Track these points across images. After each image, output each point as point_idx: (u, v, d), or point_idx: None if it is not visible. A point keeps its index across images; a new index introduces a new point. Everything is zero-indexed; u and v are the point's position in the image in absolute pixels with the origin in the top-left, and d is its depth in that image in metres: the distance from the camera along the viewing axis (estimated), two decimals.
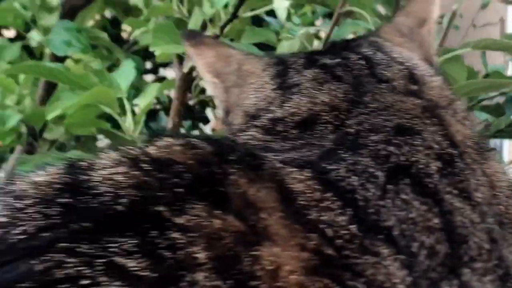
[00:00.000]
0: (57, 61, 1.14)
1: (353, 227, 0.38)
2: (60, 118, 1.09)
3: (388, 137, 0.45)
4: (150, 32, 0.96)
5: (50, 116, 0.89)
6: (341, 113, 0.49)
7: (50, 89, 1.17)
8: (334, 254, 0.36)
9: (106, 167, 0.37)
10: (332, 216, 0.38)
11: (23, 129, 1.15)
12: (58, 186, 0.36)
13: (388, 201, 0.41)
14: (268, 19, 1.00)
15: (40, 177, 0.37)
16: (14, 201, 0.35)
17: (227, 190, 0.36)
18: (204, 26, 0.83)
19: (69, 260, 0.31)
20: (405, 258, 0.39)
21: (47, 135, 1.20)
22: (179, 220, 0.34)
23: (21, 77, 1.16)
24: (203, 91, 0.94)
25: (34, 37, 1.17)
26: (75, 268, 0.31)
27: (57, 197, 0.35)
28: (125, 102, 0.96)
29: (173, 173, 0.37)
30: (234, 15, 0.79)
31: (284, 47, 0.77)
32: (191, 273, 0.32)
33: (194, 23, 0.83)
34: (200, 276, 0.32)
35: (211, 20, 0.82)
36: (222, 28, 0.80)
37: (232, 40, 0.87)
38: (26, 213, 0.34)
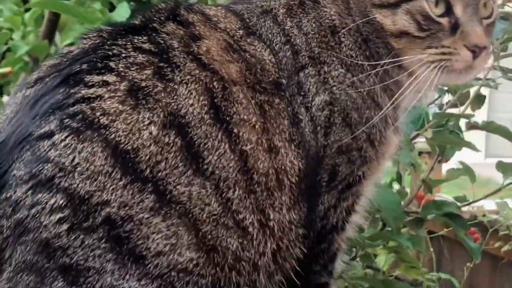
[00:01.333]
0: None
1: (240, 31, 0.74)
2: None
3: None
4: None
5: (64, 42, 1.15)
6: None
7: (52, 26, 1.42)
8: (232, 41, 0.71)
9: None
10: (229, 23, 0.74)
11: (28, 59, 1.40)
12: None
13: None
14: None
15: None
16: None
17: (181, 19, 0.72)
18: None
19: (114, 46, 0.66)
20: None
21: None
22: (164, 29, 0.69)
23: (26, 16, 1.40)
24: None
25: None
26: (118, 49, 0.66)
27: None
28: None
29: (158, 11, 0.72)
30: None
31: None
32: (173, 51, 0.67)
33: None
34: (177, 54, 0.67)
35: None
36: None
37: None
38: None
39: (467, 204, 1.36)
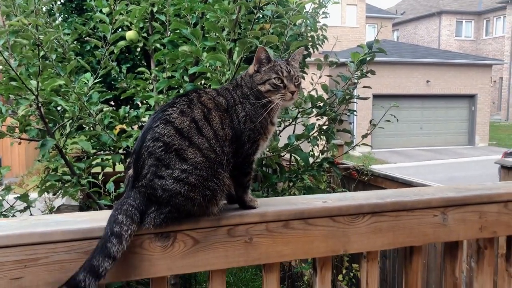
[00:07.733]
0: None
1: (214, 94, 1.68)
2: None
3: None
4: None
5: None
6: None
7: None
8: (212, 97, 1.66)
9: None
10: (211, 92, 1.69)
11: None
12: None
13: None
14: None
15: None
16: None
17: (197, 92, 1.65)
18: None
19: (176, 100, 1.61)
20: None
21: None
22: (190, 95, 1.63)
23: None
24: None
25: None
26: (176, 100, 1.61)
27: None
28: None
29: (189, 92, 1.67)
30: None
31: None
32: (193, 100, 1.60)
33: None
34: (195, 101, 1.60)
35: None
36: None
37: None
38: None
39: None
